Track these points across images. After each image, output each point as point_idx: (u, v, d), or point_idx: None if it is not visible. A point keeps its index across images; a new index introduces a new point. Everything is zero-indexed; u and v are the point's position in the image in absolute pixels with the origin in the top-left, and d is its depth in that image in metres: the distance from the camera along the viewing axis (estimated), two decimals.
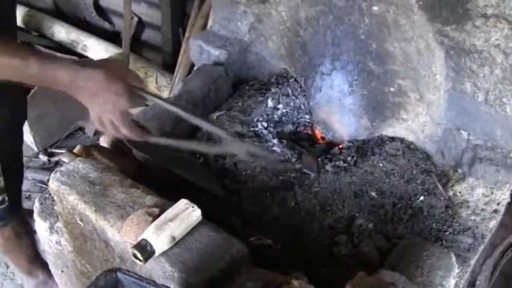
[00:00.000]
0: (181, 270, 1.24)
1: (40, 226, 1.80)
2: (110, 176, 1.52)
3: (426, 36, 1.68)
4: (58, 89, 1.34)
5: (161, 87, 3.28)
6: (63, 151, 3.17)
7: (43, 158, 3.23)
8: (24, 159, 3.18)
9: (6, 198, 2.05)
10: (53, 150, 3.28)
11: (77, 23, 3.95)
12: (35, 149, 3.27)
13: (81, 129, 3.49)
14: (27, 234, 2.31)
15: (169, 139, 1.79)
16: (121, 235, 1.34)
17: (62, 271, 1.91)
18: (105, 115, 1.40)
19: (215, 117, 2.07)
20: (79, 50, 3.63)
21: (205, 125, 1.79)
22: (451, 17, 1.59)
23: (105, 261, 1.54)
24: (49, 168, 3.15)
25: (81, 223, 1.51)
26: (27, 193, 3.00)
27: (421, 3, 1.64)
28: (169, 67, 3.40)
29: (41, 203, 1.80)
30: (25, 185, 3.04)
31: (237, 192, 1.82)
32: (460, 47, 1.63)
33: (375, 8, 1.75)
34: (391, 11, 1.72)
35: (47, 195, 1.81)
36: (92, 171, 1.53)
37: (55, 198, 1.57)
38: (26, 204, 2.89)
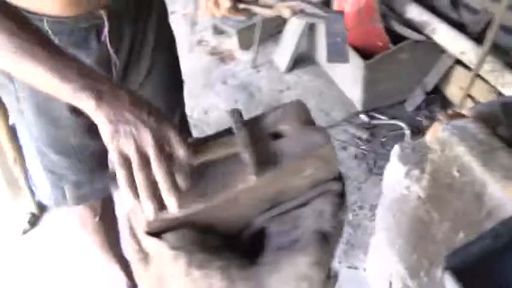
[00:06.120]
0: None
1: (397, 169, 2.03)
2: (496, 141, 1.66)
3: None
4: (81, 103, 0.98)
5: None
6: (382, 117, 3.48)
7: (364, 117, 3.55)
8: (347, 114, 3.57)
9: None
10: (374, 114, 3.59)
11: None
12: (358, 108, 3.60)
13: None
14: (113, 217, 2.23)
15: None
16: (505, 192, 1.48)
17: (394, 215, 2.13)
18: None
19: None
20: None
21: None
22: None
23: (462, 212, 1.70)
24: (368, 128, 3.46)
25: (456, 174, 1.68)
26: (344, 143, 3.33)
27: None
28: None
29: (402, 150, 2.03)
30: (344, 136, 3.42)
31: None
32: None
33: None
34: None
35: (406, 144, 2.04)
36: (479, 133, 1.68)
37: (436, 146, 1.75)
38: (341, 154, 3.23)
